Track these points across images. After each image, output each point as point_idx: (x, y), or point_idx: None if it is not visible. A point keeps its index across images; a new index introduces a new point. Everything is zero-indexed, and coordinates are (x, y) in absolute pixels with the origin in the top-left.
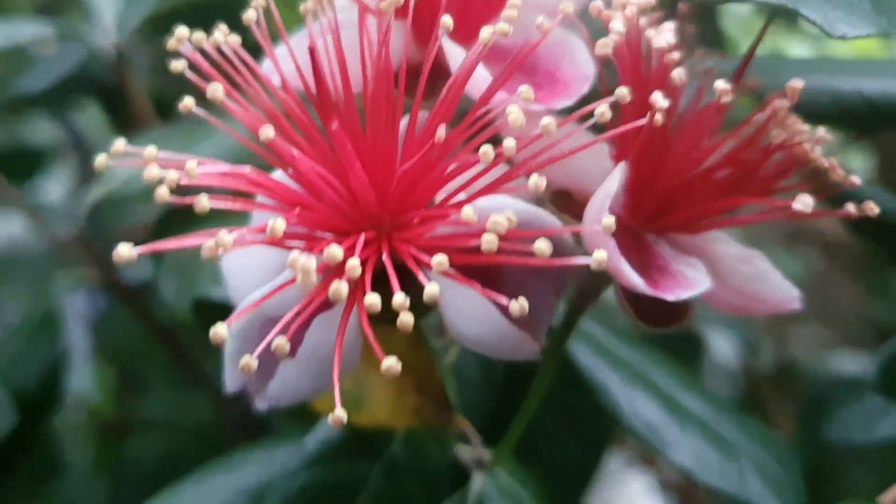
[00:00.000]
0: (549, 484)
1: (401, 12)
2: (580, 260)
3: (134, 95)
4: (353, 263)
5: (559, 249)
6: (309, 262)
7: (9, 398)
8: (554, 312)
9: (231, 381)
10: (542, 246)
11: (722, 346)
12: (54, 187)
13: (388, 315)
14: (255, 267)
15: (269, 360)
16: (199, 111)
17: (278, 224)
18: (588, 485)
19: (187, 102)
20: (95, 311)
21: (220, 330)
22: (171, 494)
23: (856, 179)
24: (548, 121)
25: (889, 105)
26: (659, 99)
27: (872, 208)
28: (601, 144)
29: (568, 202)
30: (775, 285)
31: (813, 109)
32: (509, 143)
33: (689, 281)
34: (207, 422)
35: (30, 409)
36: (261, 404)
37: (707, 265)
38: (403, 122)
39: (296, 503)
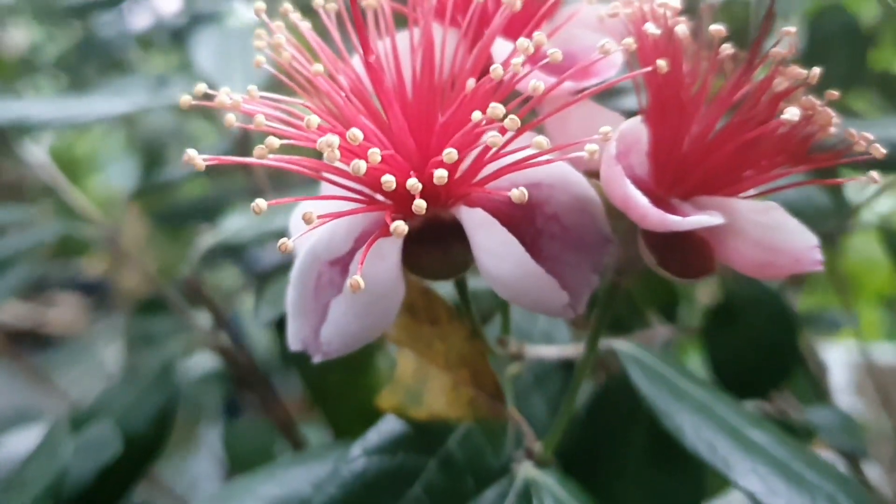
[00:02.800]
0: None
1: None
2: (575, 155)
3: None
4: (375, 152)
5: (586, 208)
6: (333, 138)
7: (119, 434)
8: (592, 287)
9: (293, 338)
10: (540, 141)
11: None
12: None
13: (432, 268)
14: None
15: (321, 305)
16: None
17: (313, 119)
18: None
19: None
20: None
21: (287, 243)
22: (244, 486)
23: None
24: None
25: None
26: (651, 28)
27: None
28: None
29: None
30: (793, 232)
31: None
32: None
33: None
34: None
35: (139, 449)
36: (317, 357)
37: (727, 219)
38: None
39: (352, 486)
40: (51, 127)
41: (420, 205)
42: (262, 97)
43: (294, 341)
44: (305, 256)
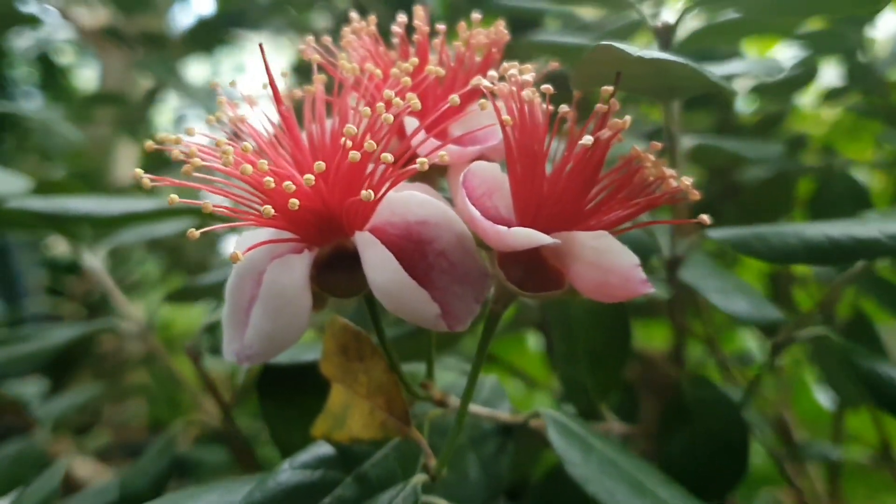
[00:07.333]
0: None
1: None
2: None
3: None
4: (263, 162)
5: (467, 246)
6: (230, 147)
7: (118, 488)
8: (474, 314)
9: (227, 349)
10: (386, 156)
11: None
12: None
13: (340, 288)
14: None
15: (244, 313)
16: None
17: (248, 144)
18: None
19: None
20: None
21: (238, 254)
22: (189, 494)
23: (690, 189)
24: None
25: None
26: (483, 81)
27: (705, 220)
28: None
29: None
30: (619, 253)
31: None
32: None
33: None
34: None
35: (134, 500)
36: (244, 363)
37: (567, 246)
38: None
39: (274, 492)
40: (88, 218)
41: (294, 202)
42: (199, 135)
43: (228, 352)
44: (234, 274)
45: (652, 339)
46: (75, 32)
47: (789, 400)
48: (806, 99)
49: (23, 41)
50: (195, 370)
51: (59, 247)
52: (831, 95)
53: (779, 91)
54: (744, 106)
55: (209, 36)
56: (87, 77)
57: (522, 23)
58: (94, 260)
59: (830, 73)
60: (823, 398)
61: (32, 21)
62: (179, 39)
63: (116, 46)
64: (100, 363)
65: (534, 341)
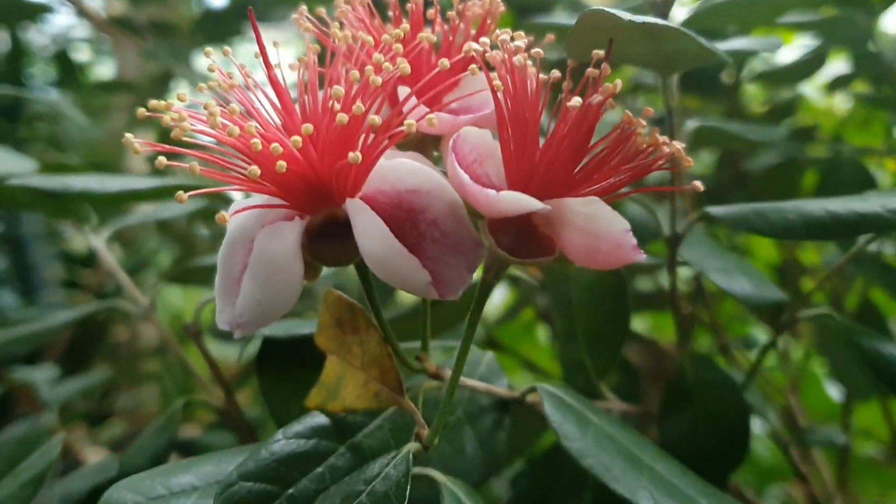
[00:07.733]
0: None
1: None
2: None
3: None
4: (252, 124)
5: (459, 215)
6: (216, 108)
7: (119, 468)
8: (466, 283)
9: (220, 318)
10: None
11: None
12: None
13: (332, 257)
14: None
15: (235, 282)
16: None
17: (235, 106)
18: None
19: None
20: None
21: (224, 215)
22: (187, 464)
23: (682, 154)
24: None
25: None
26: (473, 45)
27: (698, 186)
28: None
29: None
30: (609, 219)
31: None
32: None
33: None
34: None
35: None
36: (236, 333)
37: (558, 212)
38: None
39: (267, 461)
40: (87, 196)
41: (282, 165)
42: (189, 101)
43: (220, 322)
44: (226, 242)
45: (664, 330)
46: (91, 25)
47: (797, 387)
48: (815, 92)
49: (40, 38)
50: (199, 352)
51: (75, 240)
52: (839, 83)
53: (786, 77)
54: (753, 97)
55: (218, 27)
56: (104, 75)
57: (530, 9)
58: (98, 241)
59: (840, 67)
60: (834, 392)
61: (42, 10)
62: (189, 29)
63: (128, 36)
64: (114, 353)
65: (544, 335)
